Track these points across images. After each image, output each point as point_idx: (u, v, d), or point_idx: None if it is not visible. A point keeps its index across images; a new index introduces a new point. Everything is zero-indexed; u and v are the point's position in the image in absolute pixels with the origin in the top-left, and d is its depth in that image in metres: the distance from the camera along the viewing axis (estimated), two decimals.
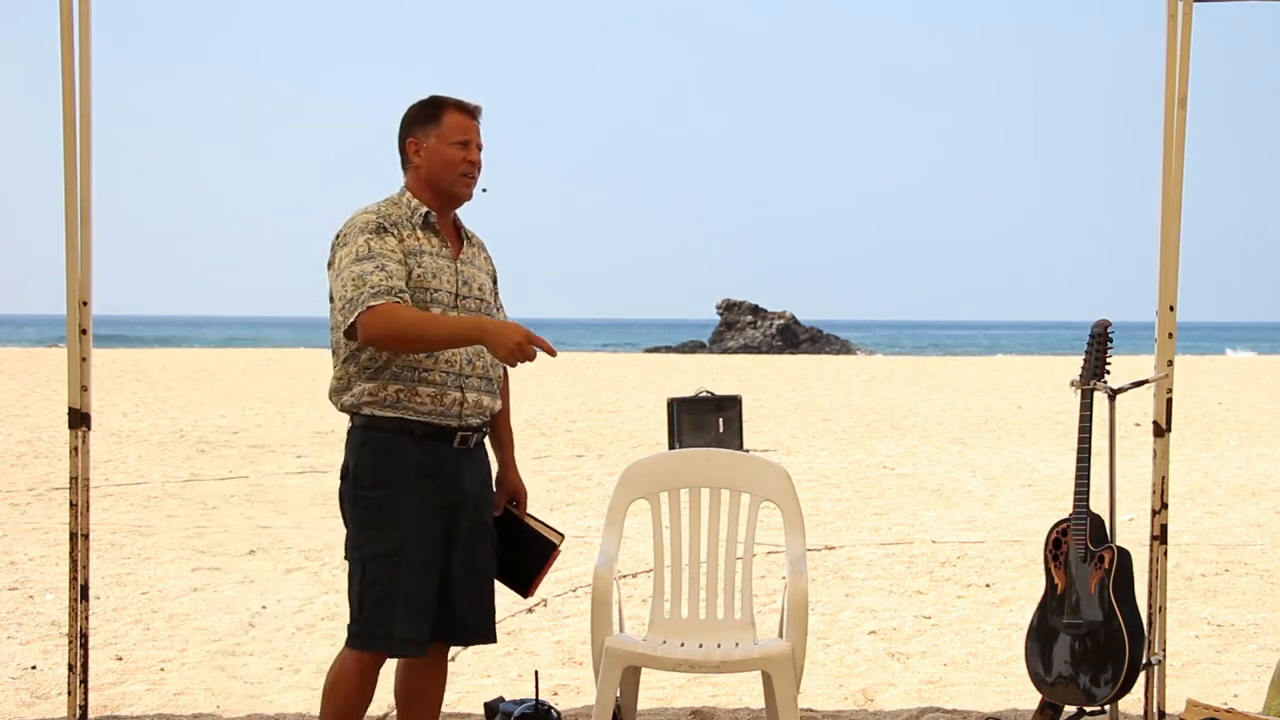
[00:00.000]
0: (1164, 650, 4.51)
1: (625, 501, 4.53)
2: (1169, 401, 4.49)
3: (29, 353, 37.72)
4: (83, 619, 4.46)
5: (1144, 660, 4.36)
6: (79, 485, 4.44)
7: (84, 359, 4.40)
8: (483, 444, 3.88)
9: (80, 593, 4.44)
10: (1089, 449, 4.37)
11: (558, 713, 4.66)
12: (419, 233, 3.74)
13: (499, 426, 4.05)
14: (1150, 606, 4.48)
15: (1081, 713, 4.41)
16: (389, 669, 3.87)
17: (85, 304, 4.39)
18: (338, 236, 3.71)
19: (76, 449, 4.43)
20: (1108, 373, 4.45)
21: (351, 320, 3.55)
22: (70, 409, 4.41)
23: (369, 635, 3.67)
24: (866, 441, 15.37)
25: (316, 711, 5.09)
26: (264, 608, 6.86)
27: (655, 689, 5.26)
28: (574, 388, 24.55)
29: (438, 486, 3.71)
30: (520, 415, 18.50)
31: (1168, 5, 4.38)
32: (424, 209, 3.76)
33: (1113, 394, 4.43)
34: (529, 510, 4.10)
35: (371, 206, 3.75)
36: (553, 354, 3.63)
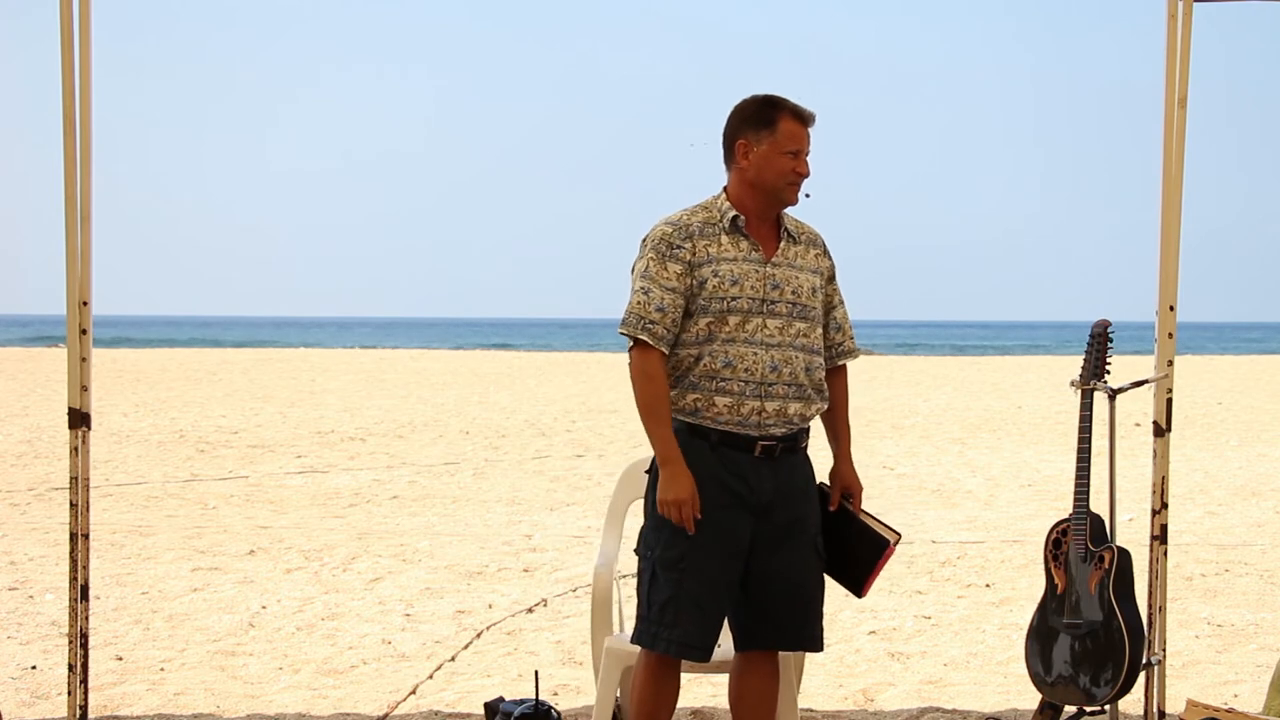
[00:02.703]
0: (1164, 650, 4.51)
1: (625, 501, 4.53)
2: (1169, 401, 4.49)
3: (29, 353, 37.72)
4: (83, 619, 4.46)
5: (1144, 660, 4.36)
6: (79, 485, 4.44)
7: (84, 359, 4.40)
8: (795, 451, 3.81)
9: (80, 593, 4.44)
10: (1089, 449, 4.37)
11: (558, 713, 4.66)
12: (724, 238, 3.73)
13: (835, 421, 3.98)
14: (1150, 606, 4.48)
15: (1081, 713, 4.41)
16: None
17: (85, 304, 4.39)
18: (643, 240, 3.79)
19: (76, 449, 4.43)
20: (1108, 373, 4.45)
21: (625, 338, 3.74)
22: (70, 409, 4.41)
23: (653, 635, 3.73)
24: (866, 441, 15.36)
25: (316, 712, 5.11)
26: (264, 608, 6.86)
27: None
28: (574, 388, 24.55)
29: (732, 494, 3.70)
30: (520, 415, 18.51)
31: (1168, 5, 4.38)
32: (732, 213, 3.75)
33: (1113, 394, 4.43)
34: (864, 507, 3.98)
35: (674, 216, 3.78)
36: (690, 530, 3.67)
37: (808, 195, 3.82)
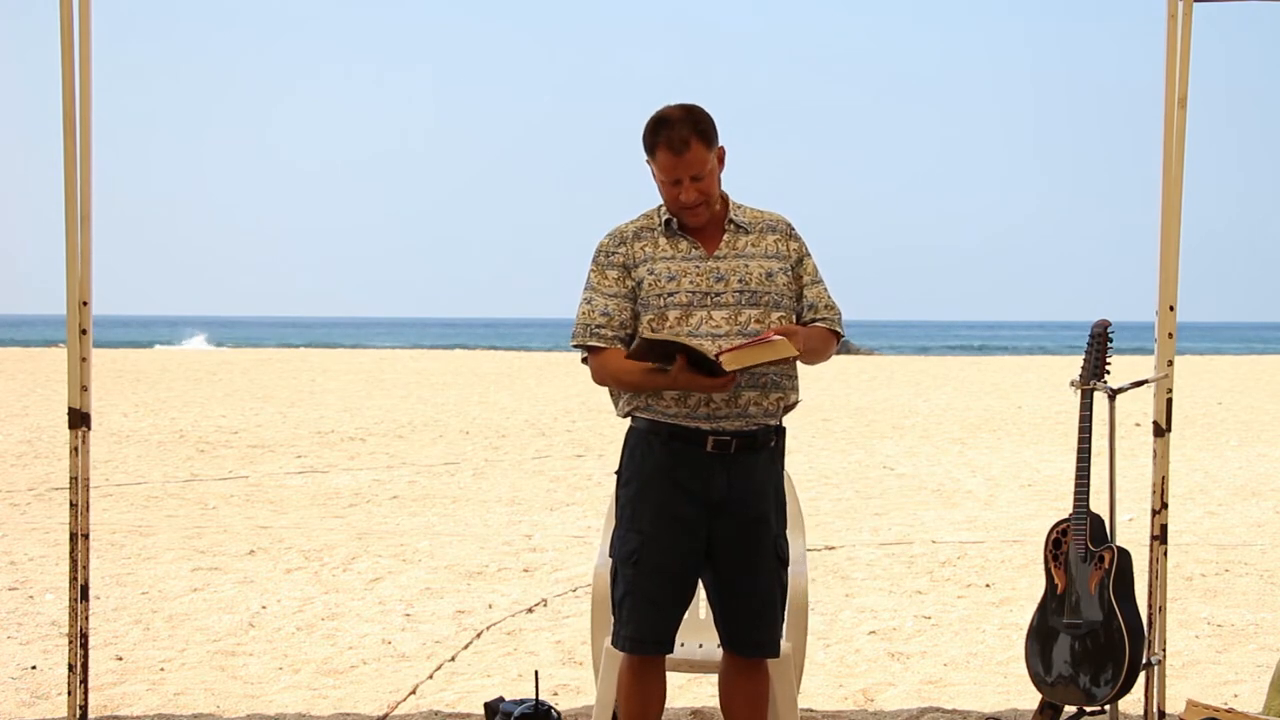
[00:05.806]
0: (1164, 650, 4.51)
1: None
2: (1169, 401, 4.49)
3: (29, 353, 37.71)
4: (83, 619, 4.46)
5: (1144, 660, 4.36)
6: (79, 485, 4.44)
7: (84, 359, 4.41)
8: (756, 450, 3.74)
9: (80, 593, 4.45)
10: (1089, 449, 4.37)
11: (558, 713, 4.66)
12: (661, 240, 3.78)
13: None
14: (1150, 606, 4.48)
15: (1081, 713, 4.41)
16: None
17: (85, 304, 4.39)
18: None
19: (76, 449, 4.43)
20: (1108, 373, 4.45)
21: (580, 357, 3.83)
22: (70, 409, 4.41)
23: (616, 634, 3.81)
24: (866, 441, 15.36)
25: (316, 712, 5.11)
26: (264, 608, 6.86)
27: None
28: (574, 388, 24.54)
29: (684, 490, 3.70)
30: (520, 415, 18.50)
31: (1168, 5, 4.38)
32: (666, 216, 3.80)
33: (1113, 394, 4.43)
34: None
35: (616, 228, 3.84)
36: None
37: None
